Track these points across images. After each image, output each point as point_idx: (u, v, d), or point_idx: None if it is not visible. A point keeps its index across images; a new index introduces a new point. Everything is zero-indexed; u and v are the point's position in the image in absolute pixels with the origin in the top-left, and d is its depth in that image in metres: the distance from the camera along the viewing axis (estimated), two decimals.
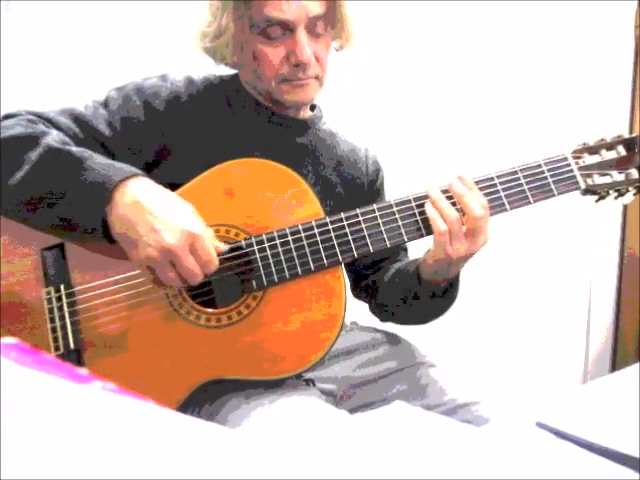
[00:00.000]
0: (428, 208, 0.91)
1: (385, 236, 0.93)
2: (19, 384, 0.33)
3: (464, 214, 0.90)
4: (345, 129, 1.14)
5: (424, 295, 1.01)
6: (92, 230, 0.85)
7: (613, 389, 0.60)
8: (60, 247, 0.91)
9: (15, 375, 0.33)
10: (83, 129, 0.94)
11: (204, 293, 0.92)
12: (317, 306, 0.91)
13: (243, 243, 0.91)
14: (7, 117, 0.93)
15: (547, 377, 2.04)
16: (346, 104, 1.38)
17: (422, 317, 1.09)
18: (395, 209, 0.93)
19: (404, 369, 1.09)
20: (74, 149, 0.85)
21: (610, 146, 0.96)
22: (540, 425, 0.53)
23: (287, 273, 0.91)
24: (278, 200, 0.93)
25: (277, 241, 0.91)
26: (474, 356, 1.92)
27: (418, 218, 0.93)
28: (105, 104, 0.98)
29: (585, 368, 2.17)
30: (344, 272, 0.94)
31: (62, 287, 0.90)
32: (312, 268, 0.91)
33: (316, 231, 0.91)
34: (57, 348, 0.89)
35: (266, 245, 0.91)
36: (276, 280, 0.91)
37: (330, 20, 0.97)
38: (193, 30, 1.00)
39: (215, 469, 0.29)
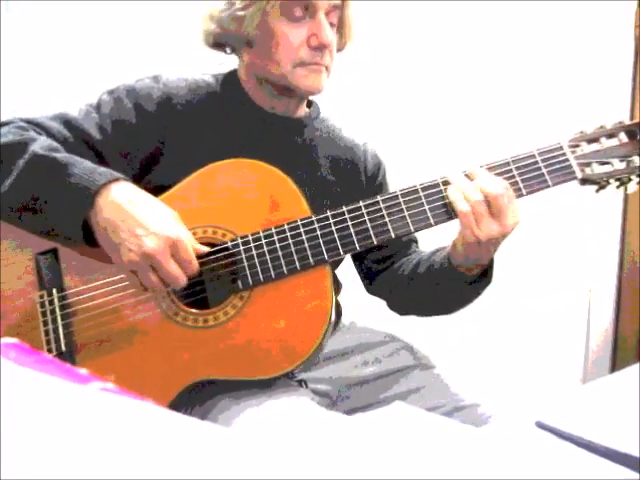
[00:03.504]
0: (450, 191, 0.90)
1: (372, 233, 0.92)
2: (19, 384, 0.33)
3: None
4: (343, 125, 1.13)
5: (456, 284, 0.98)
6: (72, 235, 0.87)
7: (613, 389, 0.60)
8: (54, 251, 0.93)
9: (15, 375, 0.33)
10: (74, 133, 0.95)
11: (197, 294, 0.93)
12: (304, 305, 0.90)
13: (229, 243, 0.92)
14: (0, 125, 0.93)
15: (547, 377, 2.04)
16: (345, 98, 1.38)
17: (450, 306, 1.06)
18: (382, 205, 0.92)
19: (402, 370, 1.08)
20: (59, 155, 0.86)
21: (611, 134, 0.93)
22: (540, 425, 0.53)
23: (273, 272, 0.90)
24: (265, 200, 0.93)
25: (263, 241, 0.91)
26: (474, 356, 1.92)
27: (405, 214, 0.92)
28: (97, 107, 0.98)
29: (585, 368, 2.17)
30: (330, 270, 0.93)
31: (54, 291, 0.92)
32: (298, 267, 0.90)
33: (302, 230, 0.91)
34: (50, 350, 0.91)
35: (252, 245, 0.91)
36: (262, 280, 0.90)
37: (339, 15, 0.99)
38: (210, 7, 0.97)
39: (214, 469, 0.29)
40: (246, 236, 0.91)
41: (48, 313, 0.92)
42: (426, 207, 0.91)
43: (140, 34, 1.47)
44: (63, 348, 0.90)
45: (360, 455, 0.44)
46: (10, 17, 1.38)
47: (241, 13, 0.94)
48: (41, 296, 0.92)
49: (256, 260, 0.90)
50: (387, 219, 0.92)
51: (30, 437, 0.29)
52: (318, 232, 0.91)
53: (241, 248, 0.91)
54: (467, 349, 1.91)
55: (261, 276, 0.90)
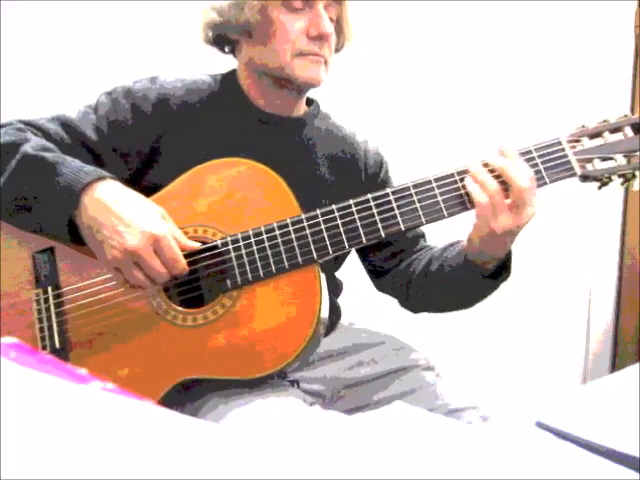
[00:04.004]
0: (468, 182, 0.88)
1: (361, 232, 0.91)
2: (19, 384, 0.33)
3: (507, 187, 0.86)
4: (344, 123, 1.13)
5: (472, 278, 0.96)
6: (59, 234, 0.88)
7: (613, 389, 0.60)
8: (51, 250, 0.94)
9: (15, 375, 0.33)
10: (70, 134, 0.96)
11: (191, 292, 0.93)
12: (292, 305, 0.90)
13: (219, 242, 0.92)
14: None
15: (547, 377, 2.04)
16: (346, 96, 1.38)
17: (467, 301, 1.04)
18: (372, 204, 0.91)
19: (397, 371, 1.08)
20: (47, 155, 0.87)
21: (615, 128, 0.89)
22: (540, 425, 0.53)
23: (261, 272, 0.90)
24: (255, 199, 0.93)
25: (252, 240, 0.91)
26: (474, 356, 1.92)
27: (396, 212, 0.90)
28: (95, 109, 0.99)
29: (585, 368, 2.17)
30: (319, 270, 0.92)
31: (50, 289, 0.93)
32: (286, 266, 0.90)
33: (291, 229, 0.91)
34: (44, 347, 0.92)
35: (241, 244, 0.91)
36: (250, 279, 0.90)
37: (338, 12, 1.00)
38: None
39: (216, 468, 0.29)
40: (236, 235, 0.92)
41: (43, 310, 0.93)
42: (417, 205, 0.90)
43: (140, 35, 1.47)
44: (57, 345, 0.92)
45: (352, 455, 0.44)
46: (10, 17, 1.38)
47: (242, 0, 0.95)
48: (37, 294, 0.94)
49: (245, 260, 0.91)
50: (377, 217, 0.91)
51: (30, 437, 0.29)
52: (307, 231, 0.91)
53: (230, 247, 0.91)
54: (467, 349, 1.91)
55: (250, 275, 0.90)
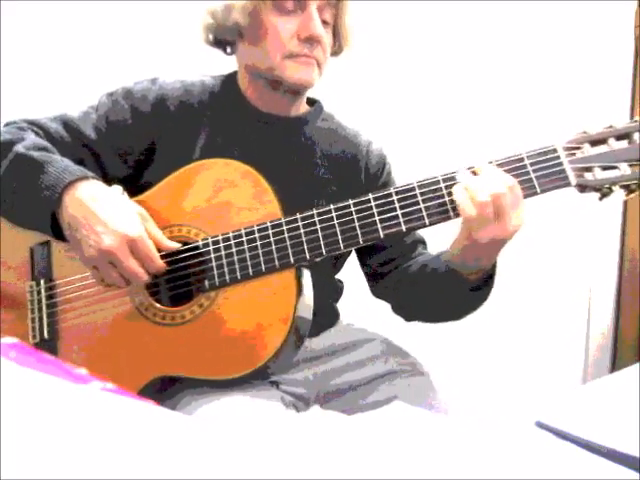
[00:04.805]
0: (457, 191, 0.84)
1: (339, 237, 0.89)
2: (19, 384, 0.33)
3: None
4: (348, 123, 1.12)
5: (458, 289, 0.95)
6: (43, 231, 0.91)
7: (613, 389, 0.60)
8: (47, 244, 0.97)
9: (15, 375, 0.33)
10: (70, 133, 0.98)
11: (176, 291, 0.94)
12: (267, 308, 0.90)
13: (200, 243, 0.93)
14: (5, 125, 0.98)
15: (547, 377, 2.04)
16: (350, 96, 1.38)
17: (454, 313, 1.03)
18: (353, 209, 0.89)
19: (384, 376, 1.06)
20: (37, 154, 0.89)
21: (622, 135, 0.81)
22: (540, 425, 0.53)
23: (239, 274, 0.90)
24: (240, 200, 0.93)
25: (232, 241, 0.91)
26: (475, 356, 1.92)
27: (376, 218, 0.88)
28: (96, 109, 1.01)
29: (585, 368, 2.17)
30: (295, 275, 0.91)
31: (42, 281, 0.96)
32: (263, 269, 0.90)
33: (270, 232, 0.90)
34: (34, 337, 0.96)
35: (221, 245, 0.92)
36: (228, 280, 0.91)
37: (334, 14, 0.99)
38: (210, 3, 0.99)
39: (219, 469, 0.29)
40: (216, 237, 0.92)
41: (35, 302, 0.96)
42: (399, 212, 0.88)
43: (144, 35, 1.47)
44: (46, 336, 0.95)
45: (330, 455, 0.44)
46: (10, 17, 1.38)
47: (233, 2, 0.95)
48: (31, 286, 0.97)
49: (224, 261, 0.91)
50: (357, 223, 0.89)
51: (30, 437, 0.29)
52: (286, 235, 0.90)
53: (210, 248, 0.92)
54: (468, 349, 1.91)
55: (227, 277, 0.91)
